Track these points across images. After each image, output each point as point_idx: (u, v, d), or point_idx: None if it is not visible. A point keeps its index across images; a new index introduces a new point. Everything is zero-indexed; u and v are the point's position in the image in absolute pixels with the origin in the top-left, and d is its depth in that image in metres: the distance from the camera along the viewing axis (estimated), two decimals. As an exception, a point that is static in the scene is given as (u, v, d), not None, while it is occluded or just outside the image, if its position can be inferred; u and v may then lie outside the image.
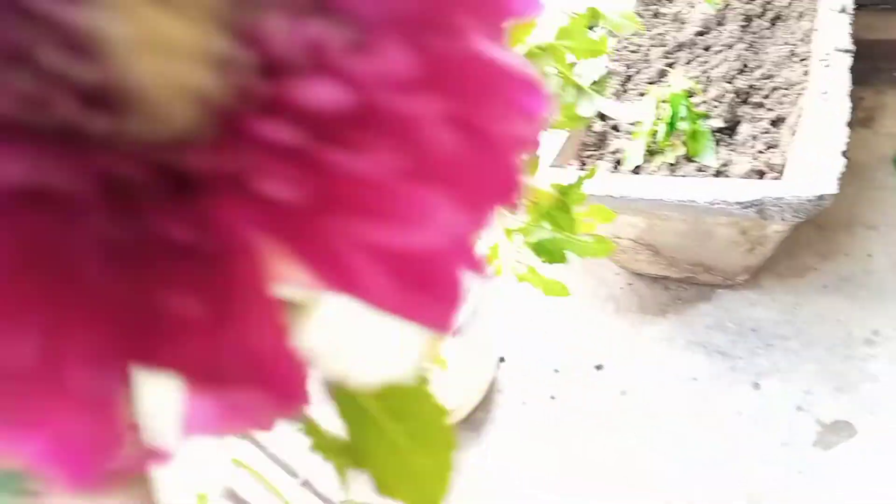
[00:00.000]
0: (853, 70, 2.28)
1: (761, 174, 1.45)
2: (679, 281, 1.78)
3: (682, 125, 1.53)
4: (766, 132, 1.56)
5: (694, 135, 1.53)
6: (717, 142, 1.59)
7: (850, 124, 2.21)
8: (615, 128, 1.73)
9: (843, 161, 1.34)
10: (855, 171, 1.98)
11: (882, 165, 1.97)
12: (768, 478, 1.40)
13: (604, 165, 1.62)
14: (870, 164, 1.98)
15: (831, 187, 1.28)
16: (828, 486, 1.37)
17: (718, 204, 1.33)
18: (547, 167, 1.59)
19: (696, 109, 1.56)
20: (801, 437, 1.45)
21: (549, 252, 0.76)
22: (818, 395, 1.51)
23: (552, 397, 1.63)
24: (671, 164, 1.55)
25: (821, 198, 1.27)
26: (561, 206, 0.76)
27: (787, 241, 1.85)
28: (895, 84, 2.21)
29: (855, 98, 2.29)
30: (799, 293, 1.71)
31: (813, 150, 1.38)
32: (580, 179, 0.76)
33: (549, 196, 0.74)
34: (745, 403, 1.53)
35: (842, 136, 1.39)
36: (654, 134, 1.57)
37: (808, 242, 1.82)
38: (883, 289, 1.67)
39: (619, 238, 1.65)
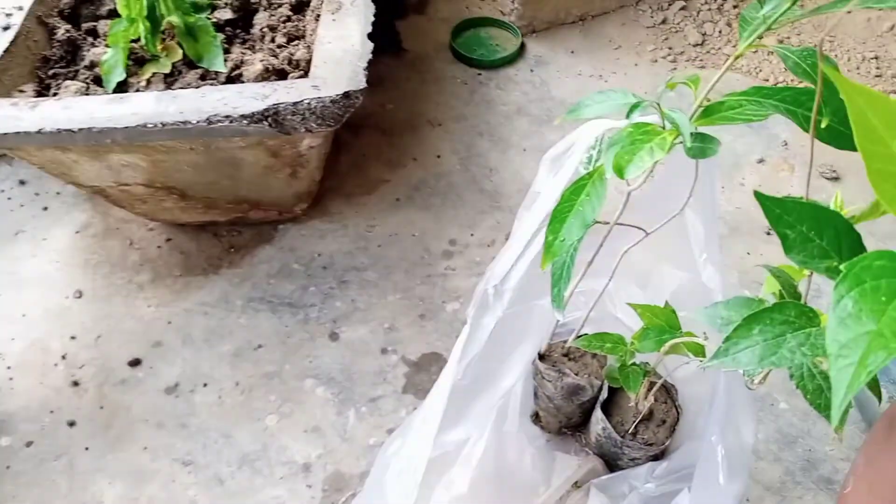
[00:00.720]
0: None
1: (283, 74, 1.11)
2: (230, 224, 1.41)
3: (174, 20, 1.10)
4: (287, 20, 1.21)
5: (190, 32, 1.12)
6: (229, 39, 1.20)
7: (403, 11, 2.01)
8: (91, 32, 1.24)
9: (370, 47, 1.05)
10: (413, 63, 1.78)
11: (440, 54, 1.80)
12: (353, 448, 1.14)
13: (76, 86, 1.12)
14: (427, 54, 1.80)
15: (357, 82, 0.98)
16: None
17: (220, 121, 0.95)
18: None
19: (188, -5, 1.14)
20: (391, 385, 1.22)
21: None
22: (402, 329, 1.29)
23: (71, 423, 1.16)
24: (168, 76, 1.13)
25: (347, 96, 0.97)
26: None
27: (352, 152, 1.58)
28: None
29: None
30: (372, 213, 1.46)
31: (337, 38, 1.07)
32: None
33: None
34: (324, 362, 1.24)
35: (368, 15, 1.11)
36: (138, 37, 1.12)
37: (376, 151, 1.58)
38: (455, 192, 1.50)
39: (126, 186, 1.20)
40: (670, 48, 1.79)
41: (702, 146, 0.62)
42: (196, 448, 1.15)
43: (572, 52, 1.80)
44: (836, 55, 1.76)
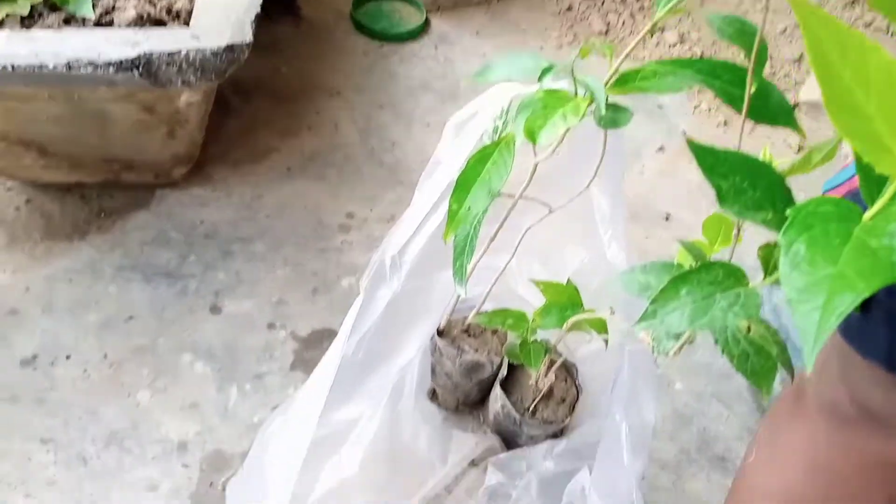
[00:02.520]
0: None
1: (159, 23, 1.01)
2: (100, 186, 1.28)
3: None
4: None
5: (57, -35, 0.99)
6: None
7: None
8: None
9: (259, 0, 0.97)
10: (311, 31, 1.69)
11: (340, 24, 1.72)
12: (235, 426, 1.06)
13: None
14: (327, 23, 1.71)
15: (243, 35, 0.90)
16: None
17: (83, 66, 0.84)
18: None
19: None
20: (278, 361, 1.15)
21: None
22: (292, 304, 1.21)
23: None
24: (26, 18, 1.00)
25: (230, 49, 0.89)
26: None
27: (241, 117, 1.48)
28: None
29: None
30: (260, 182, 1.37)
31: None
32: None
33: None
34: (204, 336, 1.15)
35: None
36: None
37: (267, 118, 1.48)
38: (352, 164, 1.44)
39: (-22, 134, 1.06)
40: (575, 35, 1.80)
41: (614, 116, 0.59)
42: (56, 425, 1.04)
43: (477, 33, 1.77)
44: (735, 49, 1.82)
